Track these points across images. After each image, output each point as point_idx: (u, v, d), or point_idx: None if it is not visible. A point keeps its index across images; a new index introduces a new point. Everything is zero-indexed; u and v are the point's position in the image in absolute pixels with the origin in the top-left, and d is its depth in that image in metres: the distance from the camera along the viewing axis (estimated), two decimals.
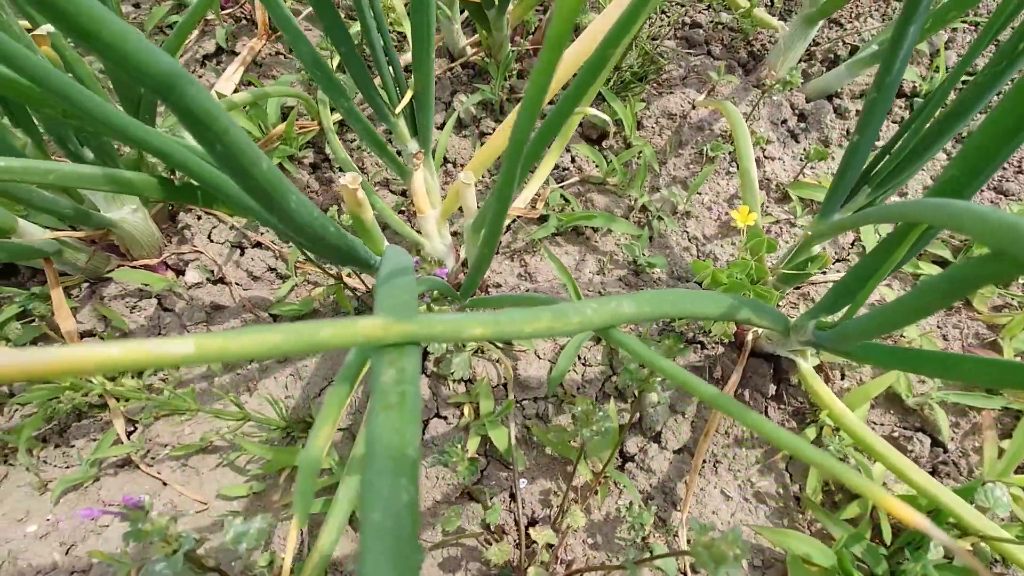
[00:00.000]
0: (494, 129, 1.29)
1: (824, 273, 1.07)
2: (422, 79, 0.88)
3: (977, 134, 0.53)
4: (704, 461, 0.96)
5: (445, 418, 0.98)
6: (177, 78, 0.40)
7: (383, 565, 0.25)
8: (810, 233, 0.84)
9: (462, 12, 1.32)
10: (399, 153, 1.01)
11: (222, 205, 0.76)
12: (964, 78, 1.33)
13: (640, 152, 1.19)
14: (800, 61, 1.33)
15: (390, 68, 0.90)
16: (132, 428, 1.00)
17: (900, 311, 0.61)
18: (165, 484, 0.96)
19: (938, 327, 1.04)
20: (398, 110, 0.88)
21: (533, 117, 0.44)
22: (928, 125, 0.74)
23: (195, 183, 0.74)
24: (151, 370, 1.02)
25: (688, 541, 0.90)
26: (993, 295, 1.02)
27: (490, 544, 0.90)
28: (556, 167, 1.22)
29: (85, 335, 1.06)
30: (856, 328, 0.72)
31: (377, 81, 0.92)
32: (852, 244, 1.13)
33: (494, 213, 0.61)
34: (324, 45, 1.35)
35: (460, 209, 1.13)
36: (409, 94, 0.89)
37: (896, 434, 0.95)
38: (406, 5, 1.30)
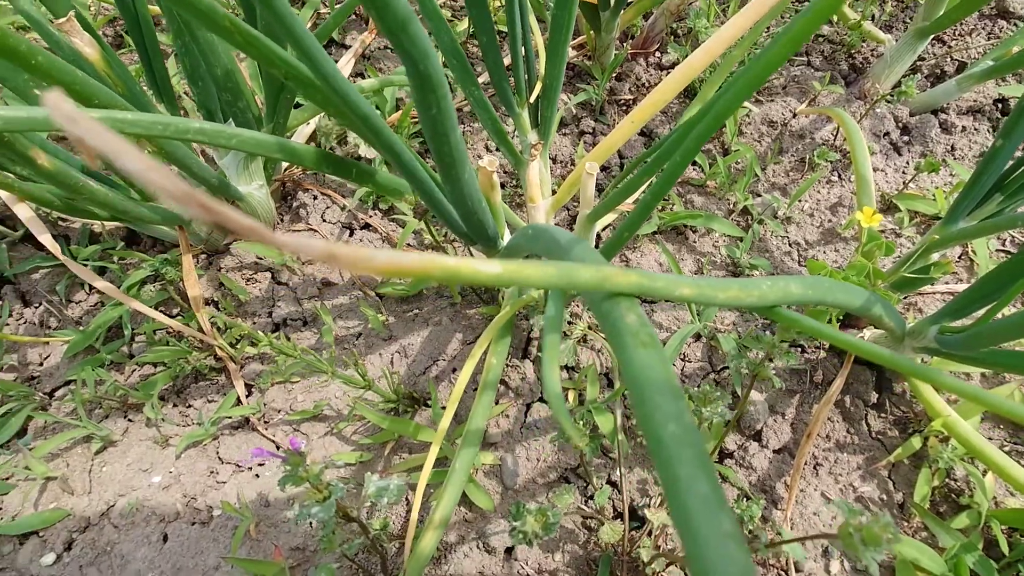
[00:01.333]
0: (593, 129, 1.32)
1: (932, 284, 1.07)
2: (553, 72, 0.91)
3: None
4: (805, 463, 0.96)
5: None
6: (410, 20, 0.43)
7: (698, 477, 0.27)
8: (936, 237, 0.84)
9: None
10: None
11: (369, 181, 0.80)
12: None
13: (741, 157, 1.20)
14: (906, 75, 1.33)
15: (524, 60, 0.93)
16: (249, 393, 1.05)
17: None
18: (279, 447, 1.00)
19: None
20: (532, 98, 0.91)
21: (721, 119, 0.47)
22: None
23: (350, 160, 0.78)
24: (271, 338, 1.07)
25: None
26: None
27: (591, 526, 0.92)
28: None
29: (206, 302, 1.12)
30: (992, 331, 0.72)
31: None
32: (959, 258, 1.12)
33: (652, 195, 0.63)
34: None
35: (569, 202, 1.16)
36: (539, 86, 0.93)
37: (1007, 448, 0.94)
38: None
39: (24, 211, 1.06)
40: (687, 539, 0.25)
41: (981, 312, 0.76)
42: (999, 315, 0.70)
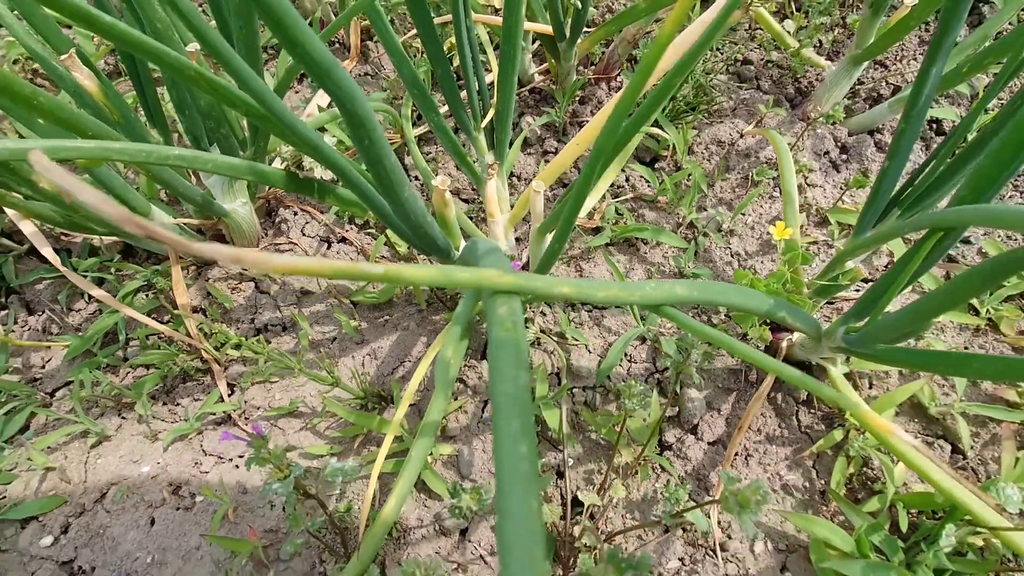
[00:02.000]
0: (556, 149, 1.42)
1: (858, 291, 1.16)
2: (504, 99, 1.01)
3: (981, 162, 0.63)
4: (736, 454, 1.05)
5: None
6: (334, 67, 0.53)
7: (513, 419, 0.37)
8: (843, 248, 0.94)
9: (534, 42, 1.47)
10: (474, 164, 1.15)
11: (333, 197, 0.91)
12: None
13: (690, 174, 1.30)
14: (844, 98, 1.43)
15: (476, 89, 1.04)
16: (230, 392, 1.15)
17: (925, 305, 0.70)
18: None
19: (965, 347, 1.11)
20: (483, 124, 1.01)
21: (616, 129, 0.56)
22: (955, 154, 0.83)
23: (312, 179, 0.88)
24: (251, 341, 1.17)
25: (719, 523, 0.99)
26: (1020, 318, 1.09)
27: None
28: (613, 184, 1.34)
29: (194, 310, 1.22)
30: (880, 328, 0.81)
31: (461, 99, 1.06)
32: (886, 266, 1.21)
33: (569, 209, 0.73)
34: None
35: (525, 217, 1.26)
36: (492, 112, 1.03)
37: (919, 439, 1.02)
38: (489, 34, 1.45)
39: (28, 227, 1.16)
40: (496, 465, 0.35)
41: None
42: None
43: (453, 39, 1.23)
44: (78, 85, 0.99)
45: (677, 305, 0.66)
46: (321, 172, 1.04)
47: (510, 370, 0.40)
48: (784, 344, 1.08)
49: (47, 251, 1.15)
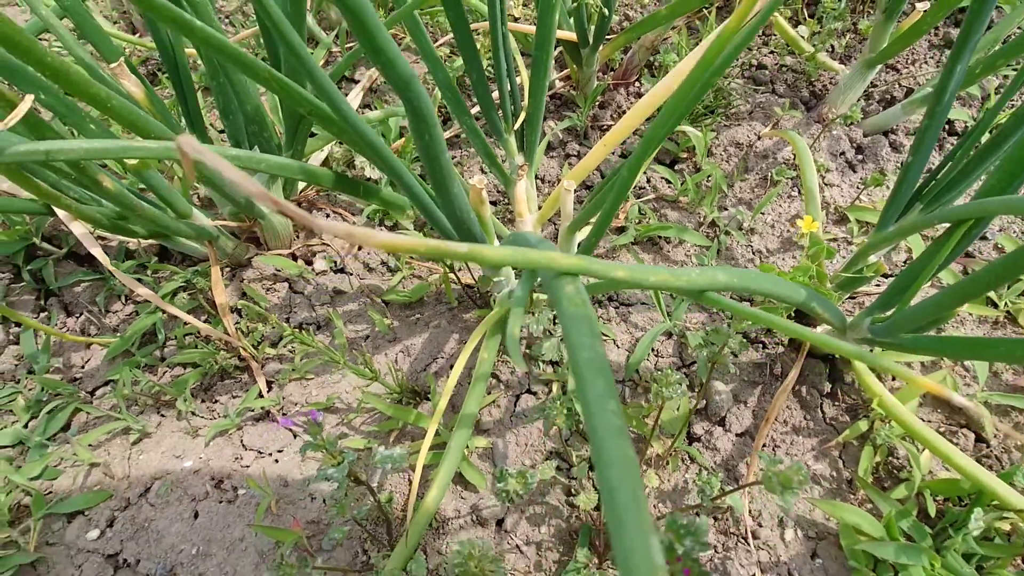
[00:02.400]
0: (578, 152, 1.46)
1: (878, 286, 1.19)
2: (535, 103, 1.05)
3: (1012, 148, 0.67)
4: (764, 445, 1.08)
5: (535, 393, 1.13)
6: (413, 79, 0.58)
7: (598, 380, 0.40)
8: (866, 241, 0.97)
9: (556, 48, 1.51)
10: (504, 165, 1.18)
11: (375, 197, 0.94)
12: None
13: (710, 175, 1.34)
14: (859, 100, 1.47)
15: (508, 93, 1.08)
16: (268, 388, 1.18)
17: (947, 296, 0.73)
18: (295, 436, 1.13)
19: None
20: (516, 126, 1.05)
21: (669, 127, 0.60)
22: (972, 152, 0.87)
23: (358, 179, 0.92)
24: (287, 341, 1.20)
25: (748, 511, 1.01)
26: None
27: (573, 503, 1.03)
28: (636, 185, 1.38)
29: (231, 310, 1.25)
30: (906, 318, 0.85)
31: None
32: (905, 263, 1.25)
33: (611, 203, 0.77)
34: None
35: (550, 219, 1.30)
36: (523, 115, 1.07)
37: (942, 429, 1.05)
38: (517, 42, 1.49)
39: (79, 228, 1.19)
40: (588, 424, 0.38)
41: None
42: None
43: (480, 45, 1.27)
44: (124, 92, 1.03)
45: (716, 292, 0.69)
46: (371, 172, 1.08)
47: (587, 339, 0.43)
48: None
49: (96, 251, 1.18)
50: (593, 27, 1.30)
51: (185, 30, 0.49)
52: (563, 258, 0.51)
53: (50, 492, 1.09)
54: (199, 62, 1.40)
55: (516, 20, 1.62)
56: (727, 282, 0.68)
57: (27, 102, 0.66)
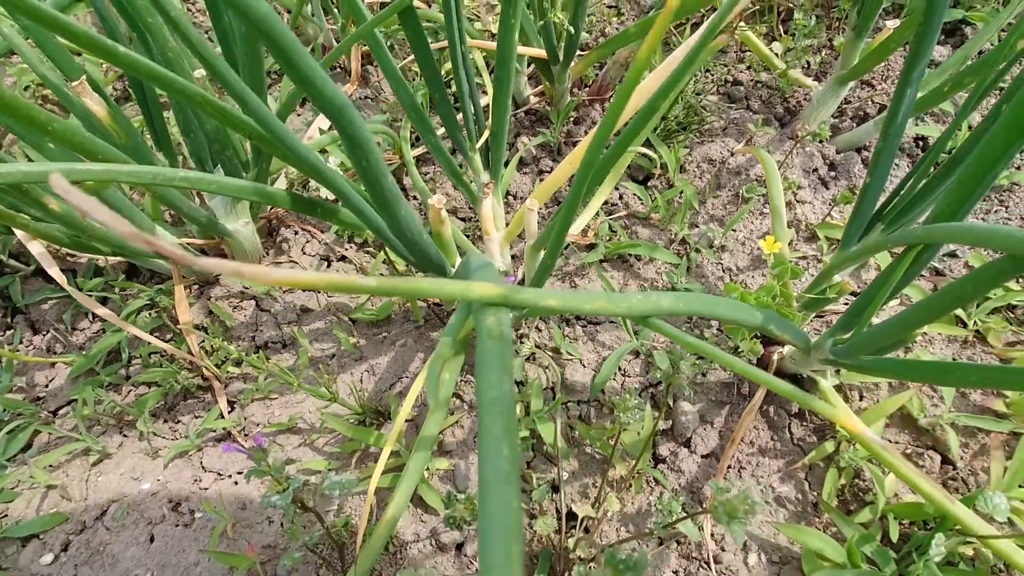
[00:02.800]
0: (551, 168, 1.45)
1: (847, 304, 1.18)
2: (498, 121, 1.05)
3: (956, 179, 0.66)
4: (730, 466, 1.06)
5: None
6: (346, 107, 0.57)
7: (497, 421, 0.39)
8: (829, 262, 0.96)
9: (529, 65, 1.51)
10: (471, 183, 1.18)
11: (334, 218, 0.93)
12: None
13: (682, 192, 1.33)
14: (832, 117, 1.46)
15: (471, 112, 1.07)
16: (230, 408, 1.17)
17: (912, 316, 0.72)
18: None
19: (953, 358, 1.13)
20: (478, 145, 1.04)
21: (600, 148, 0.59)
22: (932, 171, 0.86)
23: (316, 199, 0.91)
24: (252, 357, 1.19)
25: (711, 535, 1.00)
26: (1006, 330, 1.11)
27: (533, 527, 1.02)
28: (606, 202, 1.37)
29: (196, 328, 1.24)
30: (866, 339, 0.83)
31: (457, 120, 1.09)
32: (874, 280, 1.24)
33: (560, 225, 0.76)
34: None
35: (520, 235, 1.29)
36: (487, 133, 1.06)
37: (909, 451, 1.04)
38: (484, 58, 1.49)
39: (36, 247, 1.19)
40: (480, 467, 0.37)
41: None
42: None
43: (449, 64, 1.27)
44: (87, 110, 1.02)
45: (666, 317, 0.68)
46: (327, 192, 1.07)
47: (495, 376, 0.42)
48: (775, 357, 1.10)
49: (54, 271, 1.17)
50: (563, 44, 1.30)
51: (102, 53, 0.48)
52: (485, 288, 0.50)
53: (5, 515, 1.07)
54: None
55: (494, 37, 1.62)
56: (671, 307, 0.67)
57: None
